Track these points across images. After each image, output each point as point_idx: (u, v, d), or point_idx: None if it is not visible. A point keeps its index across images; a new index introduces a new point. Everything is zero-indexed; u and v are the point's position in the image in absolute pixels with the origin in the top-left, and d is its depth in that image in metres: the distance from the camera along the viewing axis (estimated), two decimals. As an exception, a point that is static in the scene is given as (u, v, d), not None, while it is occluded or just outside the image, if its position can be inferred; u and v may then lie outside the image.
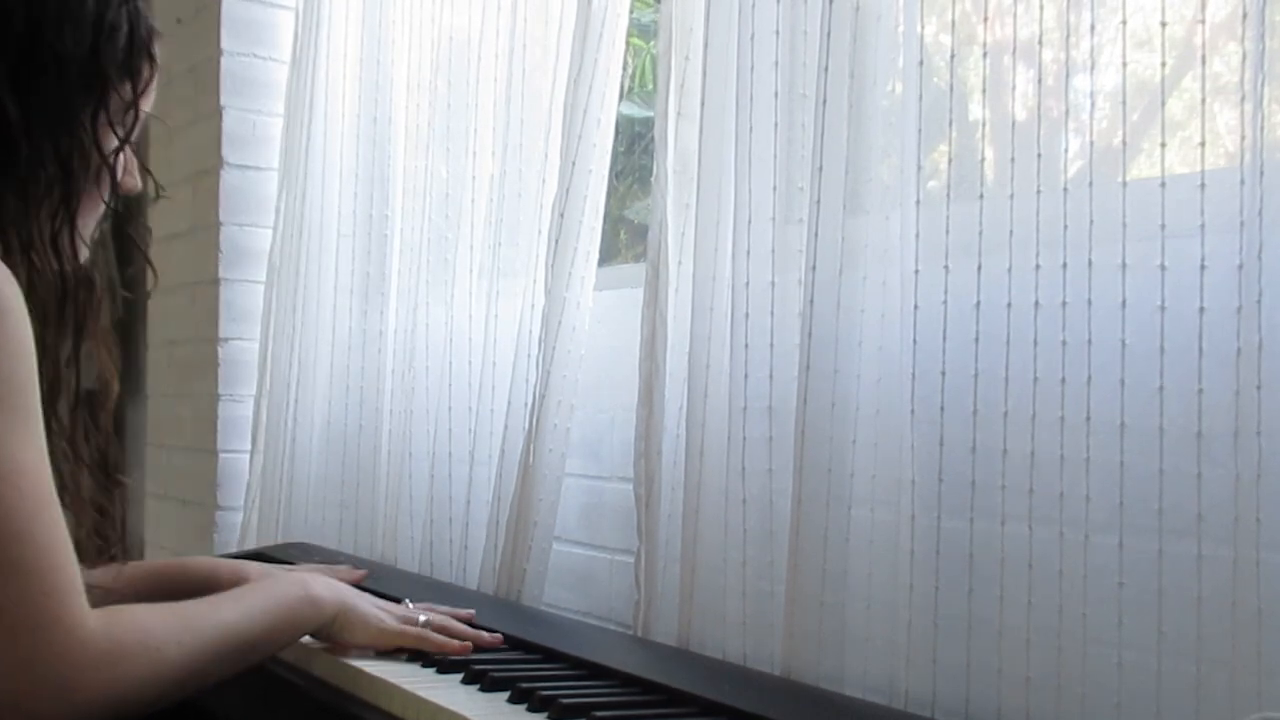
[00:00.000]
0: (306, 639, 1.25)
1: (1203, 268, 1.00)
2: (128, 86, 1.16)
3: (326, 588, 1.25)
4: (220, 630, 1.09)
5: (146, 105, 1.20)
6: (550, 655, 1.25)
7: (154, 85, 1.20)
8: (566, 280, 1.60)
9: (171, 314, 2.72)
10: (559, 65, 1.68)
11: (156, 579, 1.38)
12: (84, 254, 1.15)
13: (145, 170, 1.23)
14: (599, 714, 1.02)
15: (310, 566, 1.59)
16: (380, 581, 1.51)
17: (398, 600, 1.34)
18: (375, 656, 1.24)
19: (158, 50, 1.19)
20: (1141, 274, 1.05)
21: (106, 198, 1.16)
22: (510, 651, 1.29)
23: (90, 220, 1.16)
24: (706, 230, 1.42)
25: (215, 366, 2.49)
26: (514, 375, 1.71)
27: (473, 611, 1.35)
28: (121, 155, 1.16)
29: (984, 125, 1.19)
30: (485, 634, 1.30)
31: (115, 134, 1.15)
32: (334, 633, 1.24)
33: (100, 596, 1.01)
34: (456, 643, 1.26)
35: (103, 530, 1.13)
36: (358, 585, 1.40)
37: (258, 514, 2.33)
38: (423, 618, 1.29)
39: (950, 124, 1.21)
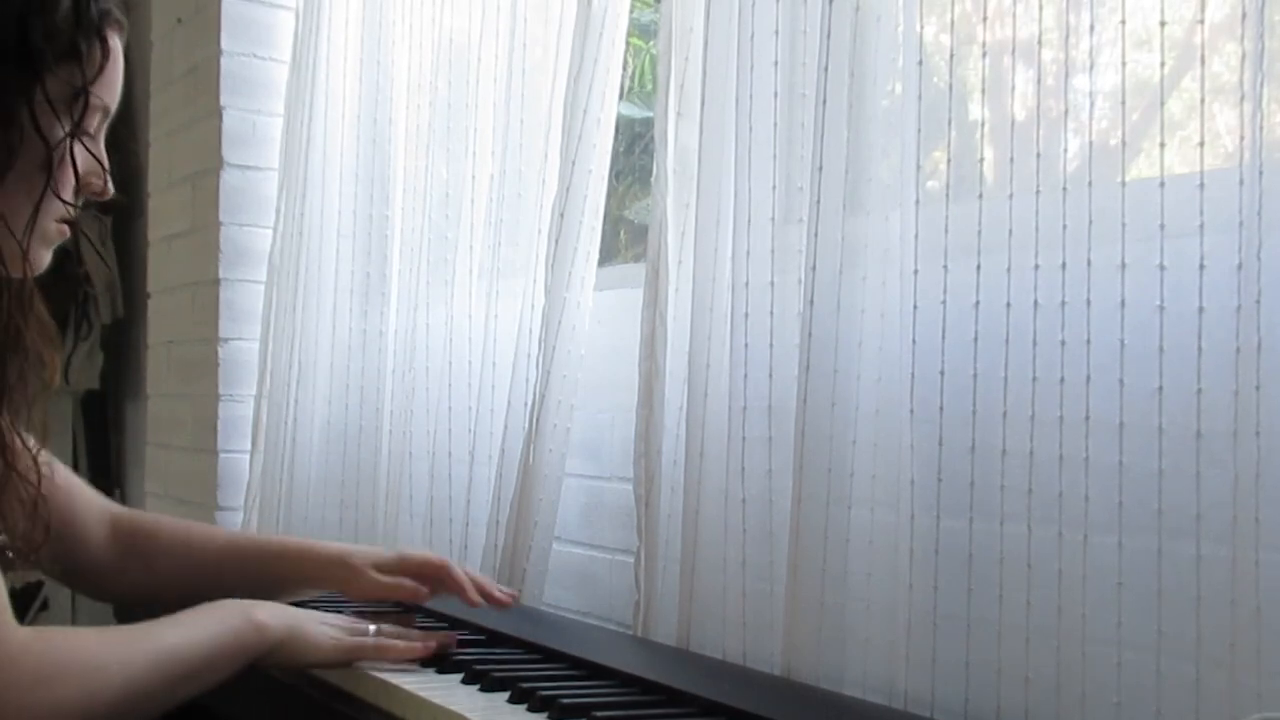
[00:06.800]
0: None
1: (1202, 267, 1.00)
2: (74, 69, 1.05)
3: (272, 613, 1.18)
4: (161, 653, 1.06)
5: (106, 96, 1.09)
6: (550, 655, 1.25)
7: (110, 72, 1.09)
8: (566, 280, 1.60)
9: (171, 314, 2.73)
10: (559, 65, 1.68)
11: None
12: (20, 251, 1.03)
13: (75, 173, 1.08)
14: (599, 714, 1.02)
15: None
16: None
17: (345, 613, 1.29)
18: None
19: (114, 35, 1.09)
20: (1140, 274, 1.05)
21: (61, 193, 1.06)
22: (510, 651, 1.29)
23: (20, 213, 1.04)
24: (706, 230, 1.42)
25: (215, 366, 2.49)
26: (514, 375, 1.71)
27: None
28: (69, 148, 1.05)
29: (983, 125, 1.19)
30: (440, 633, 1.27)
31: (59, 122, 1.04)
32: (285, 658, 1.18)
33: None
34: (419, 645, 1.22)
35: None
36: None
37: (258, 514, 2.33)
38: (373, 627, 1.23)
39: (950, 124, 1.21)
